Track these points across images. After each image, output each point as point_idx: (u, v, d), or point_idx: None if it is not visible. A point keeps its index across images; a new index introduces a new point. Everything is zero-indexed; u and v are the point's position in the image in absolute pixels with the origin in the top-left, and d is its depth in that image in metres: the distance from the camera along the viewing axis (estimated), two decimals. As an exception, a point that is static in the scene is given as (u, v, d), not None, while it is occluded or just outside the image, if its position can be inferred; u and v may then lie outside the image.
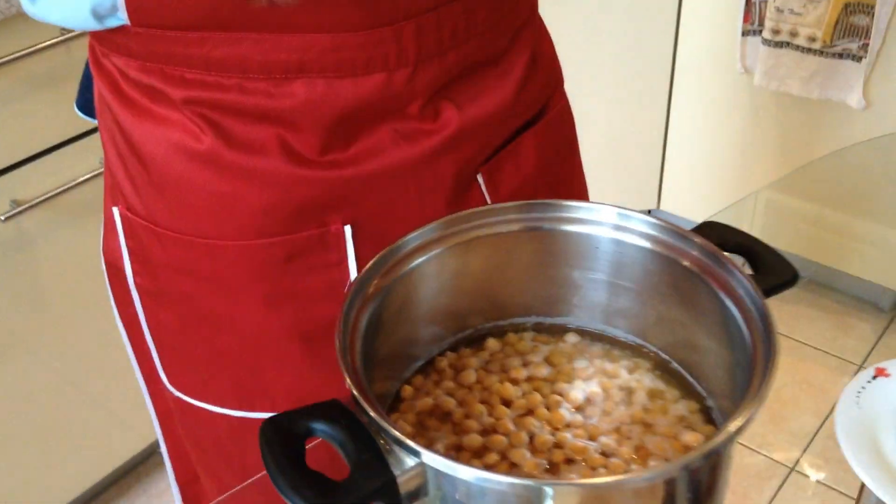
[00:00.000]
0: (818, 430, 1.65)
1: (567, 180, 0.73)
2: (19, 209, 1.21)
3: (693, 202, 2.04)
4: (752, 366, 0.46)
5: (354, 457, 0.42)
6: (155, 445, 1.32)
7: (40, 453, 1.40)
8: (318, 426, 0.43)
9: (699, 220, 1.92)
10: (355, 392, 0.43)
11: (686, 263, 0.52)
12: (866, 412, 0.59)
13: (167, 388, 0.70)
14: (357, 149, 0.59)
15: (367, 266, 0.50)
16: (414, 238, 0.52)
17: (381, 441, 0.42)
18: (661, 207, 2.09)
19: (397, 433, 0.41)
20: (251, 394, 0.66)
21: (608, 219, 0.54)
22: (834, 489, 1.52)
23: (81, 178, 1.27)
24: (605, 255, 0.55)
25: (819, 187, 1.75)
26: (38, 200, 1.23)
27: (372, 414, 0.42)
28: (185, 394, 0.69)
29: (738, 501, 1.50)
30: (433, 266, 0.53)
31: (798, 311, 1.86)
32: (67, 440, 1.43)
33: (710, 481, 0.45)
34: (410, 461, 0.41)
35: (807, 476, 1.55)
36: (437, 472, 0.41)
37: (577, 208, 0.54)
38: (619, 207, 0.54)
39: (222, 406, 0.67)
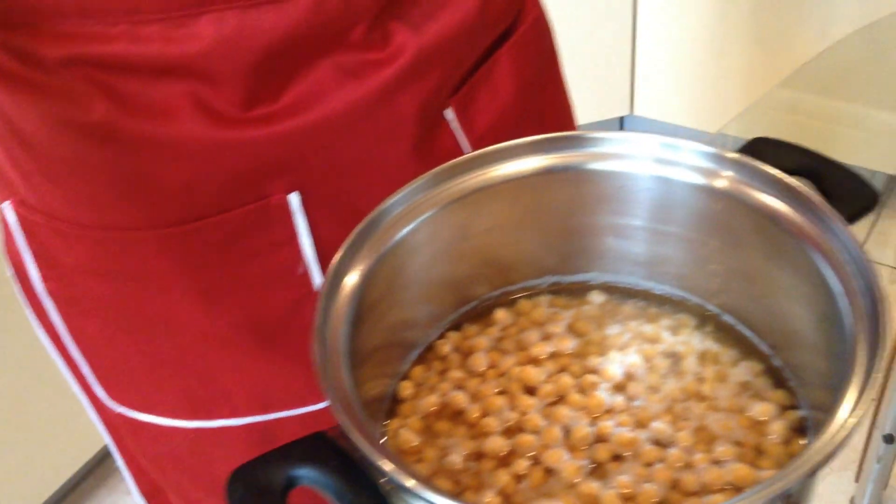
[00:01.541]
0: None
1: (551, 102, 0.62)
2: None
3: (669, 104, 1.93)
4: (849, 322, 0.36)
5: (353, 511, 0.31)
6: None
7: (9, 451, 1.30)
8: (303, 472, 0.33)
9: (677, 122, 1.82)
10: (345, 425, 0.32)
11: (753, 201, 0.41)
12: None
13: (108, 405, 0.59)
14: (291, 96, 0.46)
15: (343, 247, 0.39)
16: (397, 202, 0.41)
17: (383, 480, 0.32)
18: (635, 113, 1.98)
19: (402, 478, 0.30)
20: (206, 401, 0.55)
21: (648, 151, 0.43)
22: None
23: None
24: (644, 195, 0.44)
25: (801, 76, 1.65)
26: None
27: (369, 454, 0.31)
28: (129, 408, 0.58)
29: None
30: (424, 234, 0.42)
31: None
32: (36, 436, 1.33)
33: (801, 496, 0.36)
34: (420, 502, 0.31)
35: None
36: (468, 524, 0.31)
37: (607, 141, 0.43)
38: (661, 136, 0.43)
39: (174, 418, 0.56)
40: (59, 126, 0.45)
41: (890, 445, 1.21)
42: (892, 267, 1.69)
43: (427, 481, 0.31)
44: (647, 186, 0.43)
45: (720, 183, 0.41)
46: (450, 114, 0.52)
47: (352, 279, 0.39)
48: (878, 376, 0.32)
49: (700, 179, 0.41)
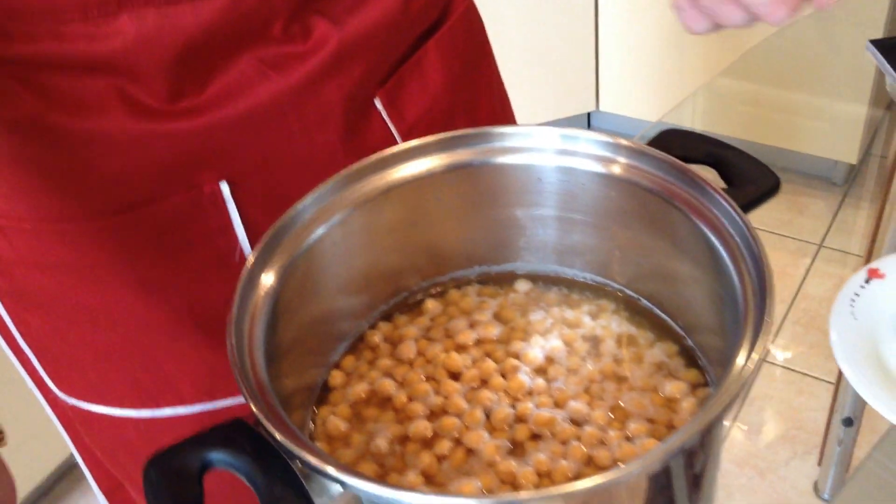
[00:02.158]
0: (785, 317, 1.62)
1: (484, 94, 0.63)
2: None
3: (634, 98, 1.96)
4: (741, 298, 0.38)
5: (266, 492, 0.33)
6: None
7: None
8: (217, 456, 0.34)
9: (644, 117, 1.84)
10: (255, 409, 0.34)
11: (648, 185, 0.43)
12: (863, 322, 0.51)
13: (58, 396, 0.60)
14: (215, 89, 0.48)
15: (256, 249, 0.40)
16: (308, 204, 0.42)
17: (297, 463, 0.33)
18: (601, 108, 2.00)
19: (314, 459, 0.32)
20: (152, 390, 0.57)
21: (550, 143, 0.45)
22: (809, 376, 1.49)
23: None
24: (551, 186, 0.46)
25: (761, 68, 1.68)
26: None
27: (277, 435, 0.33)
28: (80, 399, 0.59)
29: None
30: (338, 233, 0.43)
31: (752, 198, 1.81)
32: (10, 439, 1.33)
33: (710, 451, 0.38)
34: (335, 486, 0.33)
35: (779, 365, 1.52)
36: (371, 500, 0.33)
37: (511, 135, 0.45)
38: (561, 129, 0.44)
39: (123, 408, 0.57)
40: None
41: (849, 428, 1.24)
42: (857, 255, 1.71)
43: (336, 462, 0.32)
44: (553, 178, 0.44)
45: (616, 169, 0.43)
46: (379, 103, 0.53)
47: (268, 279, 0.40)
48: (765, 339, 0.34)
49: (598, 167, 0.43)
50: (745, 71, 1.56)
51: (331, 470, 0.31)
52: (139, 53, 0.45)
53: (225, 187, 0.50)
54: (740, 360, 0.34)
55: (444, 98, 0.57)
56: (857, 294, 0.53)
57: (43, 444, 1.41)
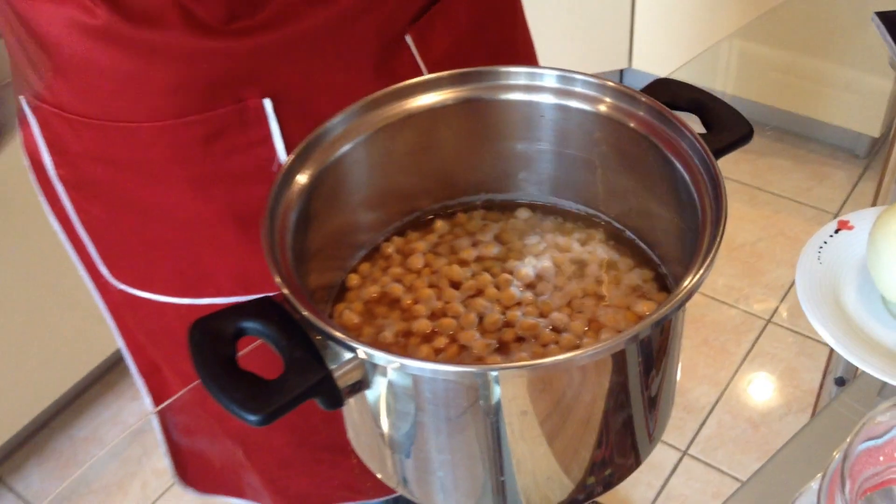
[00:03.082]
0: (795, 281, 1.67)
1: (508, 39, 0.69)
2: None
3: (667, 58, 1.98)
4: (701, 230, 0.44)
5: (288, 354, 0.40)
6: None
7: (14, 358, 1.40)
8: (250, 325, 0.41)
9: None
10: (284, 289, 0.41)
11: (633, 125, 0.49)
12: (827, 267, 0.57)
13: (110, 282, 0.68)
14: (266, 13, 0.54)
15: (290, 158, 0.47)
16: (337, 123, 0.48)
17: (316, 337, 0.40)
18: (634, 66, 2.03)
19: (329, 328, 0.39)
20: (194, 281, 0.64)
21: (550, 83, 0.51)
22: (812, 338, 1.55)
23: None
24: (550, 122, 0.52)
25: (791, 33, 1.70)
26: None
27: (302, 310, 0.40)
28: (129, 285, 0.67)
29: (716, 355, 1.53)
30: (362, 151, 0.50)
31: (773, 163, 1.84)
32: (45, 342, 1.43)
33: (662, 348, 0.44)
34: (347, 355, 0.40)
35: (784, 327, 1.58)
36: (375, 365, 0.40)
37: (515, 74, 0.51)
38: (560, 70, 0.50)
39: (167, 295, 0.65)
40: (69, 28, 0.53)
41: (841, 388, 1.29)
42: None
43: (348, 332, 0.39)
44: (551, 115, 0.50)
45: (603, 109, 0.49)
46: (410, 39, 0.60)
47: (299, 183, 0.47)
48: (711, 257, 0.40)
49: (590, 107, 0.49)
50: (775, 33, 1.58)
51: (343, 337, 0.38)
52: None
53: (268, 103, 0.56)
54: (686, 280, 0.40)
55: (469, 39, 0.63)
56: (825, 242, 0.59)
57: (83, 349, 1.51)
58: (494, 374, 0.39)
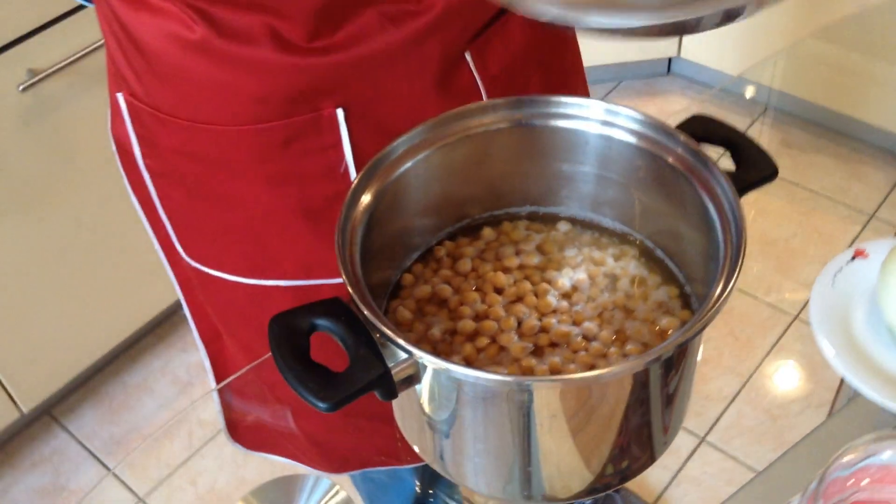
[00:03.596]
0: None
1: (559, 58, 0.74)
2: (37, 78, 1.23)
3: (717, 49, 2.00)
4: (723, 262, 0.50)
5: (353, 351, 0.46)
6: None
7: (77, 306, 1.49)
8: (321, 322, 0.48)
9: (724, 69, 1.89)
10: (352, 293, 0.47)
11: (669, 160, 0.54)
12: (840, 293, 0.62)
13: (184, 258, 0.76)
14: (344, 34, 0.60)
15: (360, 174, 0.53)
16: (402, 142, 0.54)
17: (377, 335, 0.47)
18: (682, 55, 2.05)
19: (389, 332, 0.45)
20: (262, 264, 0.71)
21: (596, 115, 0.56)
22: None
23: (98, 43, 1.28)
24: (594, 149, 0.57)
25: (841, 32, 1.71)
26: (55, 68, 1.25)
27: (367, 313, 0.46)
28: (202, 264, 0.74)
29: (742, 347, 1.58)
30: (422, 166, 0.56)
31: (813, 160, 1.86)
32: (101, 293, 1.52)
33: (679, 365, 0.50)
34: (403, 354, 0.46)
35: (810, 324, 1.62)
36: (427, 366, 0.46)
37: (565, 104, 0.56)
38: (606, 103, 0.56)
39: (236, 275, 0.73)
40: (169, 40, 0.60)
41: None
42: (909, 229, 1.77)
43: (406, 337, 0.46)
44: (595, 143, 0.56)
45: (644, 143, 0.54)
46: (469, 56, 0.65)
47: (366, 198, 0.53)
48: (731, 287, 0.46)
49: (631, 139, 0.55)
50: (832, 36, 1.59)
51: (402, 342, 0.45)
52: (292, 1, 0.57)
53: (340, 113, 0.62)
54: (706, 304, 0.46)
55: (523, 56, 0.69)
56: (840, 269, 0.63)
57: (139, 301, 1.60)
58: (529, 384, 0.45)
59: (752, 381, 1.52)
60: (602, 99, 0.60)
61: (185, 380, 1.65)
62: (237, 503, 0.56)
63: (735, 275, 0.47)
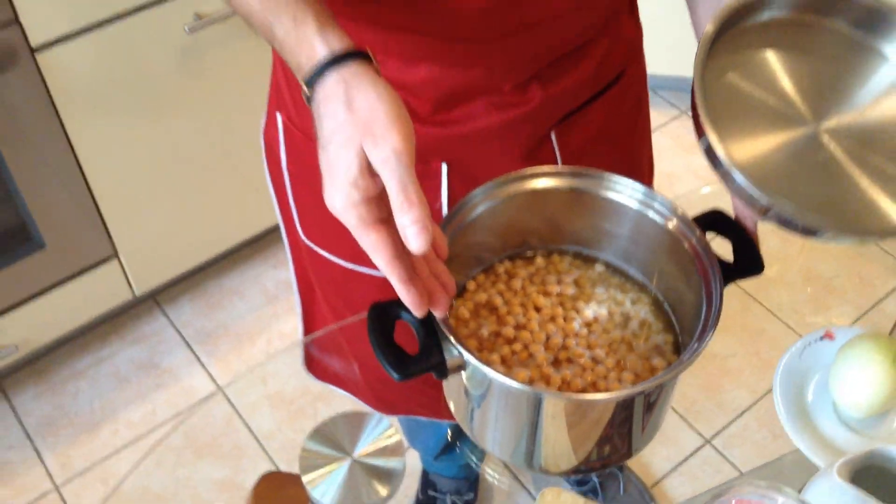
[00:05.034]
0: (855, 323, 1.82)
1: (631, 131, 0.91)
2: (203, 22, 1.43)
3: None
4: (701, 331, 0.67)
5: (422, 340, 0.66)
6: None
7: (194, 212, 1.72)
8: (405, 314, 0.67)
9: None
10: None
11: (685, 245, 0.71)
12: (804, 365, 0.78)
13: (301, 236, 0.96)
14: (458, 114, 0.78)
15: (449, 213, 0.71)
16: (479, 192, 0.73)
17: (441, 332, 0.66)
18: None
19: (448, 334, 0.64)
20: (362, 255, 0.91)
21: (636, 195, 0.73)
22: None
23: None
24: (630, 219, 0.74)
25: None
26: (219, 15, 1.45)
27: (437, 317, 0.66)
28: (313, 243, 0.95)
29: (763, 367, 1.73)
30: (496, 209, 0.74)
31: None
32: (216, 204, 1.74)
33: (658, 396, 0.68)
34: (456, 350, 0.65)
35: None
36: (470, 363, 0.65)
37: (614, 182, 0.73)
38: (647, 187, 0.73)
39: (338, 257, 0.93)
40: None
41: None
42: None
43: (458, 337, 0.65)
44: (632, 214, 0.73)
45: (669, 225, 0.71)
46: (553, 136, 0.83)
47: (452, 229, 0.72)
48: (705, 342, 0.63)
49: (659, 219, 0.72)
50: None
51: (455, 343, 0.64)
52: (422, 86, 0.76)
53: (444, 167, 0.81)
54: (682, 357, 0.64)
55: (600, 137, 0.86)
56: (810, 344, 0.80)
57: (244, 217, 1.81)
58: (541, 394, 0.64)
59: (765, 400, 1.68)
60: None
61: (273, 293, 1.88)
62: (312, 432, 0.70)
63: (703, 344, 0.65)
